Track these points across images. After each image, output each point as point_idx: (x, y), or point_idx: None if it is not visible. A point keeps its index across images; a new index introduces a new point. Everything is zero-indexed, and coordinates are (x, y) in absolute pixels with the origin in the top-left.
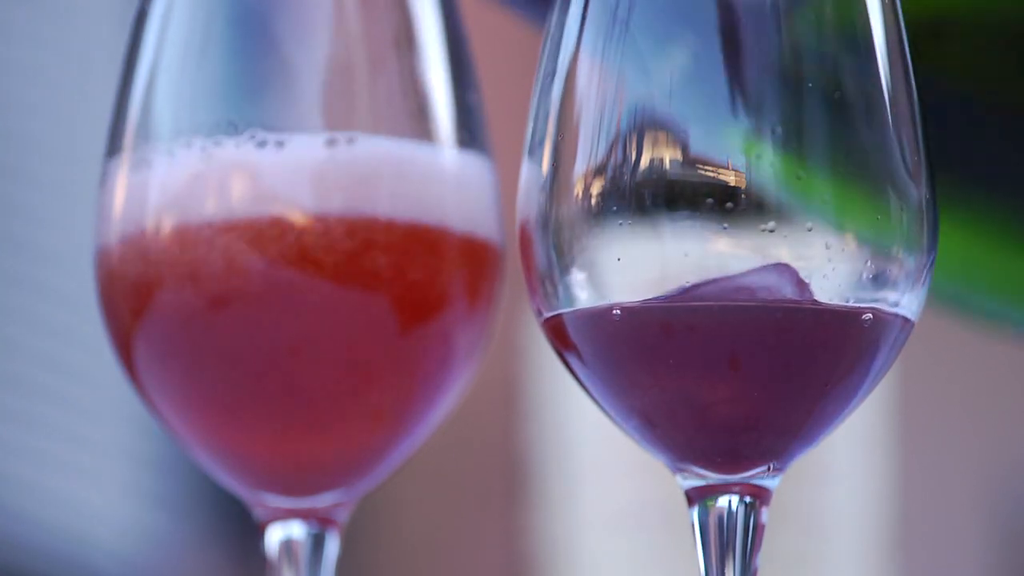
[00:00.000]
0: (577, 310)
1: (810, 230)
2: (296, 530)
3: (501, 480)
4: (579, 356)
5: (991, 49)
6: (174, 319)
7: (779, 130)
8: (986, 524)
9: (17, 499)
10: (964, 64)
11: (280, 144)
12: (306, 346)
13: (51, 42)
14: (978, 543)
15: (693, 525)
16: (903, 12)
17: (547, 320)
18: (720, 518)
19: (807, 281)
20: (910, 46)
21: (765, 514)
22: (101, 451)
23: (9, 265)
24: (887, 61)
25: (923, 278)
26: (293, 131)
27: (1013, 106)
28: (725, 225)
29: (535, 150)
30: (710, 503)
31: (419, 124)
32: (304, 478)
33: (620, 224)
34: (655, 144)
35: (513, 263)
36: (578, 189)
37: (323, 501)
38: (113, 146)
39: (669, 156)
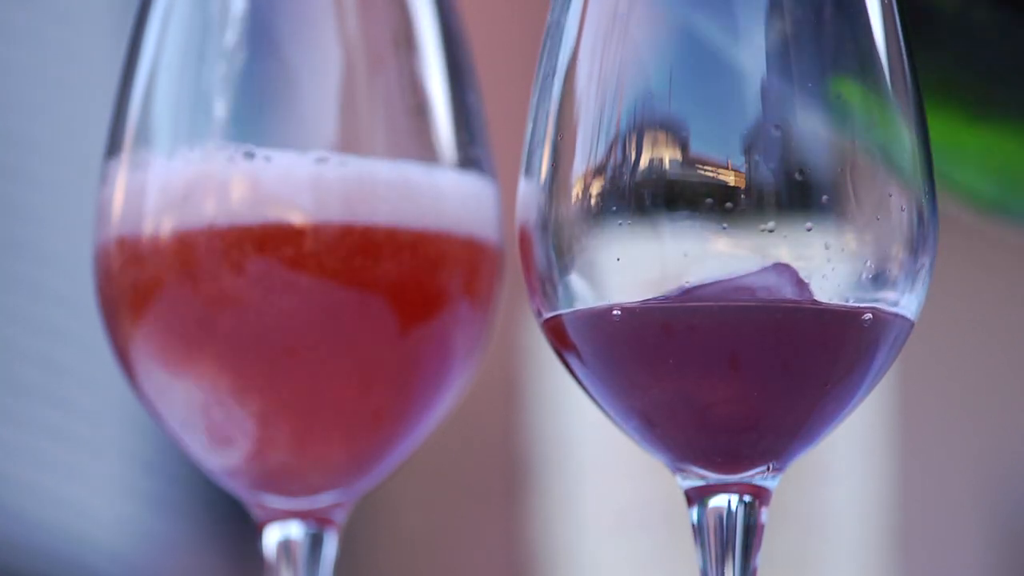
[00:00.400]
0: (577, 310)
1: (810, 230)
2: (294, 530)
3: (501, 480)
4: (579, 356)
5: None
6: (173, 320)
7: (779, 129)
8: (986, 524)
9: (14, 499)
10: None
11: (282, 154)
12: (305, 347)
13: (51, 43)
14: (978, 543)
15: (693, 525)
16: None
17: (547, 320)
18: (720, 518)
19: (807, 281)
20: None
21: (765, 514)
22: (98, 451)
23: (7, 266)
24: (888, 61)
25: (923, 278)
26: (290, 145)
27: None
28: (725, 225)
29: (535, 150)
30: (710, 503)
31: (419, 125)
32: (303, 478)
33: (620, 224)
34: (654, 144)
35: (513, 263)
36: (577, 189)
37: (321, 501)
38: (112, 148)
39: (668, 156)
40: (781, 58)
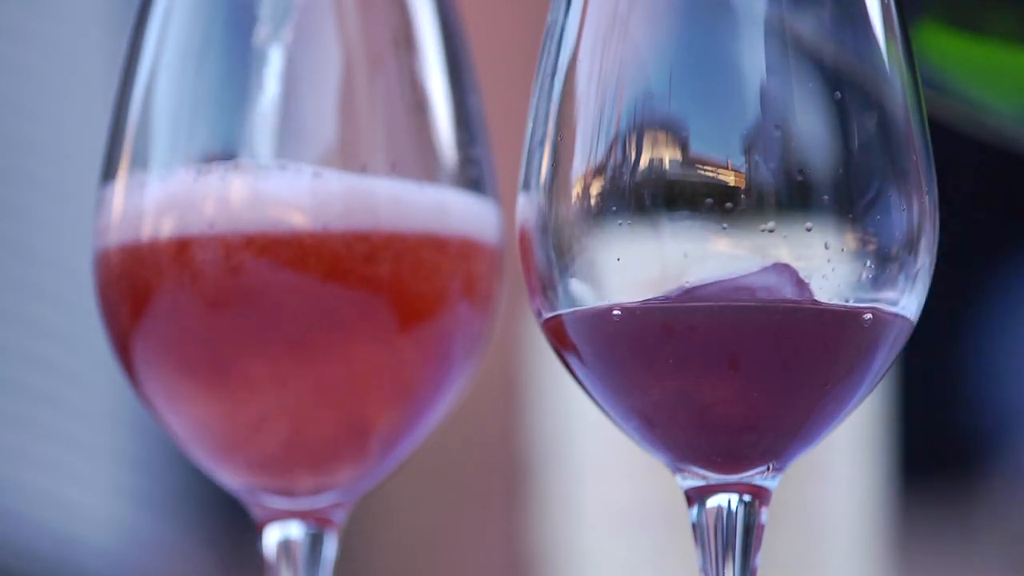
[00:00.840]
0: (577, 311)
1: (810, 230)
2: (294, 530)
3: (501, 480)
4: (579, 356)
5: None
6: (172, 324)
7: (779, 129)
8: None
9: (10, 501)
10: None
11: (282, 167)
12: (304, 347)
13: (50, 44)
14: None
15: (693, 525)
16: None
17: (547, 321)
18: (720, 518)
19: (807, 281)
20: None
21: (765, 514)
22: (94, 452)
23: (3, 266)
24: (889, 60)
25: (923, 278)
26: (290, 145)
27: None
28: (725, 225)
29: (535, 150)
30: (710, 503)
31: (418, 124)
32: (303, 479)
33: (620, 224)
34: (654, 144)
35: (513, 263)
36: (577, 189)
37: (321, 501)
38: (112, 151)
39: (668, 156)
40: (781, 58)
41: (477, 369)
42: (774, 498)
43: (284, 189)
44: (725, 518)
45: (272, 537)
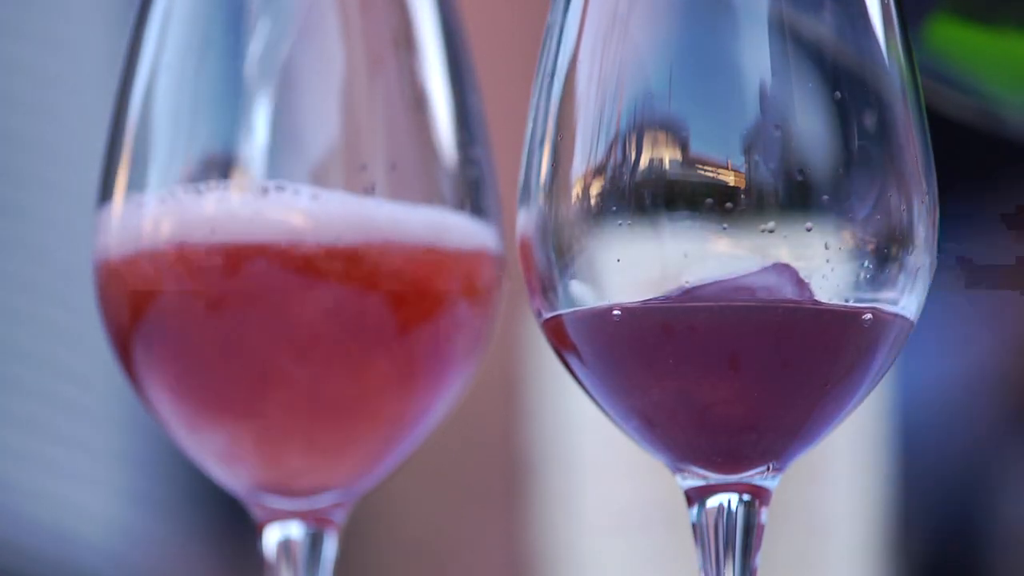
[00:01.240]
0: (577, 311)
1: (810, 230)
2: (294, 530)
3: (501, 480)
4: (579, 357)
5: None
6: (171, 326)
7: (779, 129)
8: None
9: (10, 500)
10: None
11: (280, 189)
12: (305, 347)
13: (51, 42)
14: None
15: (693, 525)
16: None
17: (547, 321)
18: (720, 518)
19: (807, 281)
20: None
21: (765, 514)
22: (95, 452)
23: (3, 265)
24: (889, 60)
25: (923, 278)
26: (289, 145)
27: None
28: (725, 225)
29: (535, 150)
30: (710, 503)
31: (418, 124)
32: (303, 479)
33: (620, 224)
34: (654, 144)
35: (513, 264)
36: (578, 189)
37: (321, 501)
38: (109, 171)
39: (668, 156)
40: (781, 58)
41: (477, 369)
42: (774, 498)
43: (281, 210)
44: (725, 518)
45: (272, 537)
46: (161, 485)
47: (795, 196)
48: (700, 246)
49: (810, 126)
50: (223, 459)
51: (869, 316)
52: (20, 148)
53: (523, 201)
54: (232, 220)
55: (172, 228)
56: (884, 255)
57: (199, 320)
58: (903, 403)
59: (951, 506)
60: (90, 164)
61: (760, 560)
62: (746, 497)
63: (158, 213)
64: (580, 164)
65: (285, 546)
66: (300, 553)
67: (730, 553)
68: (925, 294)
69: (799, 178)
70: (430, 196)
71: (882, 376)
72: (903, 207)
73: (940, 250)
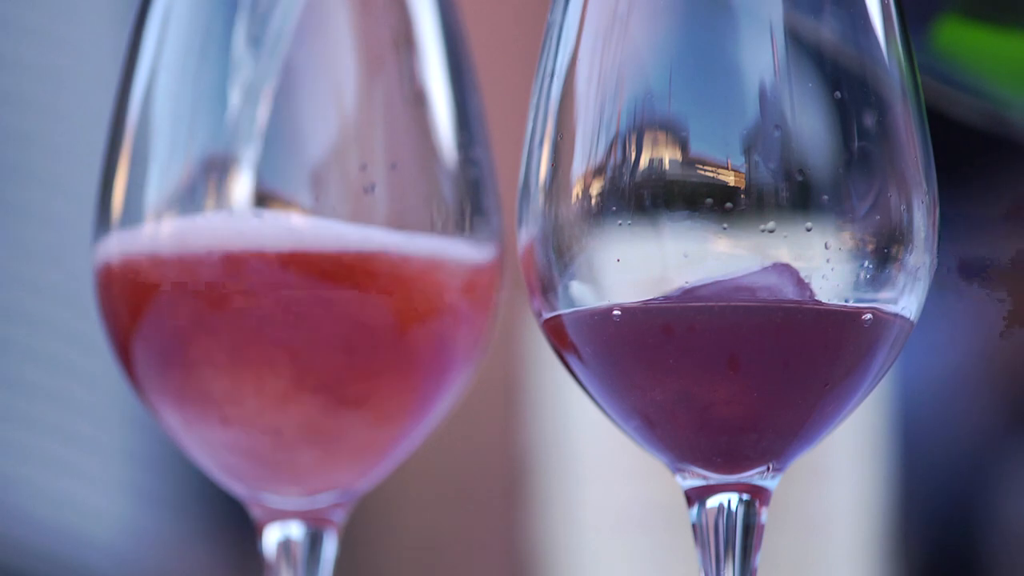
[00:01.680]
0: (577, 311)
1: (810, 230)
2: (294, 530)
3: (500, 480)
4: (579, 357)
5: None
6: (172, 326)
7: (779, 129)
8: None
9: (13, 497)
10: None
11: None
12: (305, 348)
13: (54, 40)
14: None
15: (693, 525)
16: None
17: (547, 321)
18: (719, 518)
19: (807, 281)
20: None
21: (765, 514)
22: (97, 449)
23: (6, 263)
24: (891, 60)
25: (923, 278)
26: (289, 146)
27: None
28: (725, 225)
29: (535, 150)
30: (710, 503)
31: (418, 125)
32: (303, 479)
33: (620, 224)
34: (654, 144)
35: (513, 264)
36: (578, 189)
37: (321, 502)
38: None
39: (668, 156)
40: (781, 58)
41: (477, 369)
42: (774, 498)
43: (281, 219)
44: (725, 518)
45: (272, 537)
46: (166, 484)
47: (795, 196)
48: (700, 246)
49: (810, 126)
50: (223, 459)
51: (869, 316)
52: (24, 146)
53: (523, 201)
54: (232, 228)
55: (172, 236)
56: (884, 255)
57: (199, 323)
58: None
59: (951, 506)
60: (94, 163)
61: (760, 560)
62: (746, 497)
63: (160, 223)
64: (580, 164)
65: (285, 546)
66: (300, 553)
67: (730, 553)
68: (925, 294)
69: (799, 178)
70: (430, 196)
71: (882, 376)
72: (903, 207)
73: (940, 250)
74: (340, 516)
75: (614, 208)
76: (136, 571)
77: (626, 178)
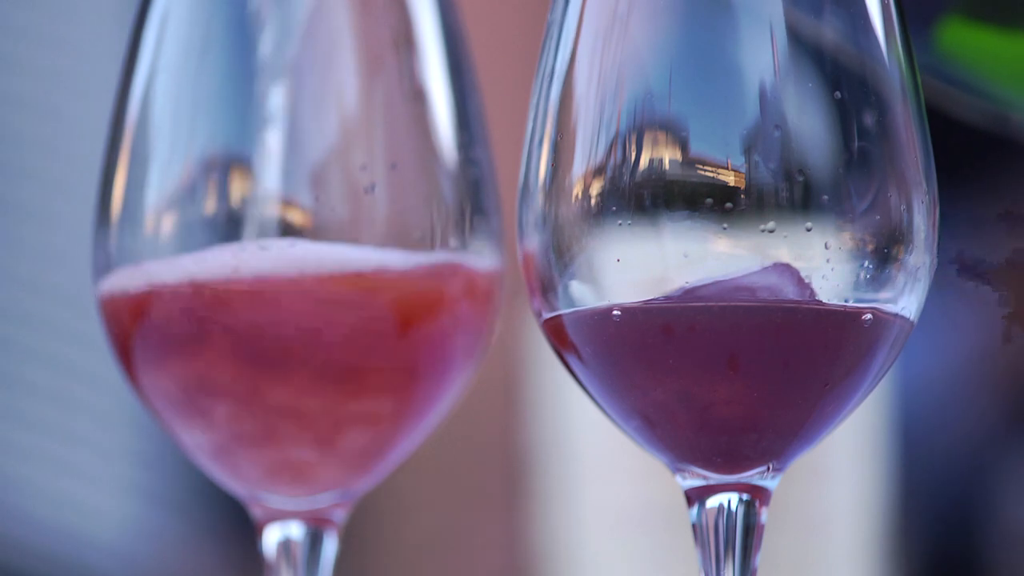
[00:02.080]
0: (577, 311)
1: (810, 230)
2: (294, 530)
3: (501, 480)
4: (579, 357)
5: None
6: (172, 326)
7: (779, 129)
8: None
9: (18, 499)
10: None
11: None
12: (305, 348)
13: (52, 39)
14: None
15: (693, 525)
16: None
17: (547, 321)
18: (719, 518)
19: (807, 281)
20: None
21: (765, 514)
22: (103, 451)
23: (9, 264)
24: (891, 60)
25: (923, 278)
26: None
27: None
28: (725, 225)
29: (534, 150)
30: (710, 503)
31: (418, 125)
32: (302, 479)
33: (620, 224)
34: (654, 144)
35: (513, 264)
36: (577, 189)
37: (321, 502)
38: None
39: (668, 156)
40: (781, 58)
41: (477, 369)
42: (774, 498)
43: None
44: (725, 518)
45: (272, 537)
46: (170, 483)
47: (795, 196)
48: (700, 246)
49: (810, 126)
50: (223, 459)
51: (869, 316)
52: (25, 147)
53: (523, 201)
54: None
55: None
56: (884, 255)
57: (202, 339)
58: (903, 403)
59: (951, 506)
60: (95, 163)
61: (760, 560)
62: (746, 497)
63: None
64: (580, 164)
65: (285, 546)
66: (300, 553)
67: (730, 553)
68: (925, 294)
69: (799, 178)
70: (430, 196)
71: (882, 376)
72: (903, 207)
73: (940, 250)
74: (340, 516)
75: (614, 208)
76: (137, 571)
77: (626, 178)
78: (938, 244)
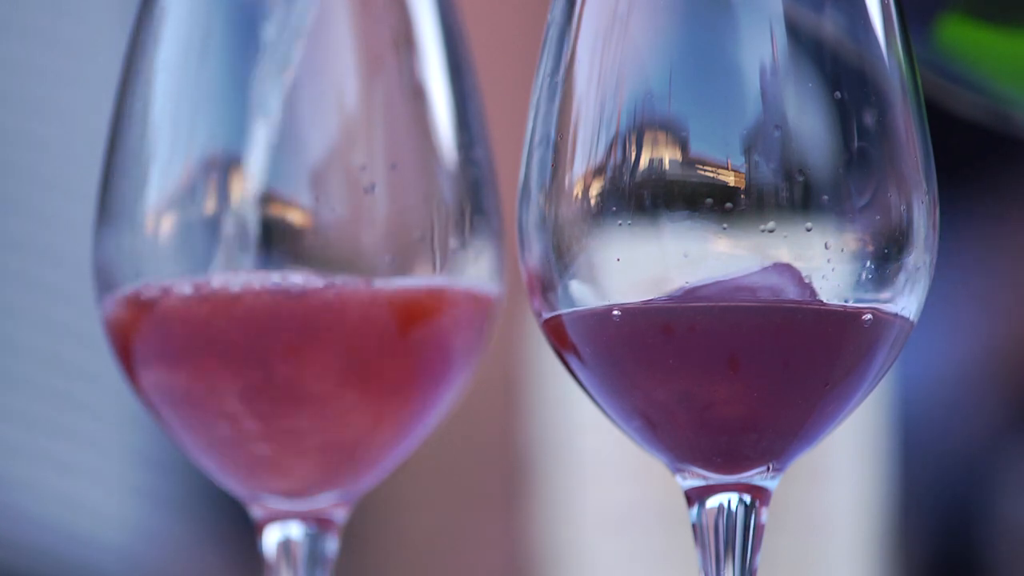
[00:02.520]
0: (577, 311)
1: (810, 230)
2: (294, 530)
3: (501, 480)
4: (579, 357)
5: None
6: (173, 325)
7: (779, 129)
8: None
9: (14, 498)
10: None
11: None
12: (305, 348)
13: (52, 39)
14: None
15: (693, 525)
16: None
17: (547, 321)
18: (719, 518)
19: (807, 281)
20: None
21: (765, 514)
22: (100, 449)
23: (9, 262)
24: (891, 60)
25: (923, 278)
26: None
27: None
28: (725, 225)
29: (535, 150)
30: (710, 503)
31: (418, 125)
32: (302, 479)
33: (620, 224)
34: (654, 144)
35: (513, 264)
36: (577, 189)
37: (321, 502)
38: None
39: (668, 156)
40: (781, 57)
41: (477, 369)
42: (774, 498)
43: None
44: (725, 518)
45: (272, 537)
46: (171, 483)
47: (795, 196)
48: (700, 246)
49: (810, 126)
50: (223, 460)
51: (869, 316)
52: (24, 146)
53: (523, 201)
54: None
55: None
56: (884, 255)
57: (204, 346)
58: (903, 402)
59: (951, 506)
60: (94, 162)
61: (760, 560)
62: (746, 497)
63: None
64: (580, 164)
65: (285, 546)
66: (300, 553)
67: (730, 553)
68: (925, 294)
69: (799, 178)
70: (430, 196)
71: (882, 376)
72: (903, 207)
73: (940, 250)
74: (340, 516)
75: (614, 208)
76: (137, 570)
77: (626, 178)
78: (938, 244)
